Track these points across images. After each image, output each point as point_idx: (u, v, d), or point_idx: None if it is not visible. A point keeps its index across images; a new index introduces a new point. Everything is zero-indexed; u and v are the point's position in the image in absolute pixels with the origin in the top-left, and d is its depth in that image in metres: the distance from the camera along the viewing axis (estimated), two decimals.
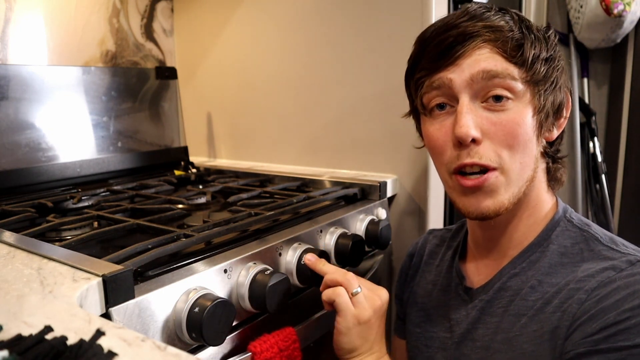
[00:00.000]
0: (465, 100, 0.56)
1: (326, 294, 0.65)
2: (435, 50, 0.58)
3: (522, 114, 0.56)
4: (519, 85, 0.56)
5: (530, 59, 0.56)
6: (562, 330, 0.52)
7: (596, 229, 0.59)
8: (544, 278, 0.57)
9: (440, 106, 0.59)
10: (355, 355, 0.64)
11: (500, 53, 0.56)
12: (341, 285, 0.64)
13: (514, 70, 0.55)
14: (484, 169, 0.57)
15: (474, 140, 0.56)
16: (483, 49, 0.56)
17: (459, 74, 0.56)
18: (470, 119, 0.55)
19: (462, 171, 0.58)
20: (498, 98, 0.56)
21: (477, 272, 0.67)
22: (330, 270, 0.67)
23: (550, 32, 0.60)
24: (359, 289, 0.64)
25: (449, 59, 0.57)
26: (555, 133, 0.62)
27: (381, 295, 0.66)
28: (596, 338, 0.48)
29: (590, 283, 0.52)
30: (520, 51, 0.55)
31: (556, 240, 0.60)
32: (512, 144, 0.56)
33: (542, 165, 0.62)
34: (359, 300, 0.64)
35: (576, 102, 1.53)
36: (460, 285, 0.67)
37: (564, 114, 0.62)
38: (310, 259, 0.69)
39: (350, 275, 0.65)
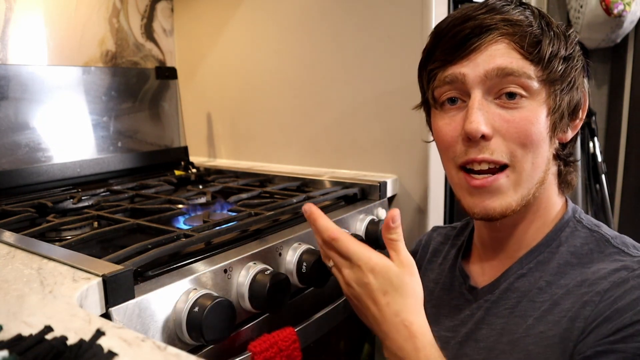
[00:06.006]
0: (477, 95, 0.55)
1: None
2: (450, 42, 0.56)
3: (536, 113, 0.55)
4: (535, 84, 0.54)
5: (547, 57, 0.54)
6: (575, 334, 0.50)
7: (607, 230, 0.58)
8: (553, 279, 0.56)
9: (452, 100, 0.58)
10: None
11: (517, 49, 0.54)
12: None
13: (530, 68, 0.54)
14: (494, 169, 0.55)
15: (483, 137, 0.55)
16: (499, 44, 0.54)
17: (473, 69, 0.55)
18: (481, 115, 0.54)
19: (469, 168, 0.57)
20: (512, 95, 0.54)
21: (482, 272, 0.66)
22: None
23: (571, 30, 0.59)
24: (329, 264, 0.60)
25: (464, 52, 0.55)
26: (570, 135, 0.60)
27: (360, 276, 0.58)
28: (612, 339, 0.47)
29: (603, 285, 0.51)
30: (538, 48, 0.54)
31: (566, 242, 0.59)
32: (524, 142, 0.54)
33: (553, 168, 0.60)
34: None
35: None
36: (464, 284, 0.66)
37: (580, 115, 0.60)
38: (307, 209, 0.60)
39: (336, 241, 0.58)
